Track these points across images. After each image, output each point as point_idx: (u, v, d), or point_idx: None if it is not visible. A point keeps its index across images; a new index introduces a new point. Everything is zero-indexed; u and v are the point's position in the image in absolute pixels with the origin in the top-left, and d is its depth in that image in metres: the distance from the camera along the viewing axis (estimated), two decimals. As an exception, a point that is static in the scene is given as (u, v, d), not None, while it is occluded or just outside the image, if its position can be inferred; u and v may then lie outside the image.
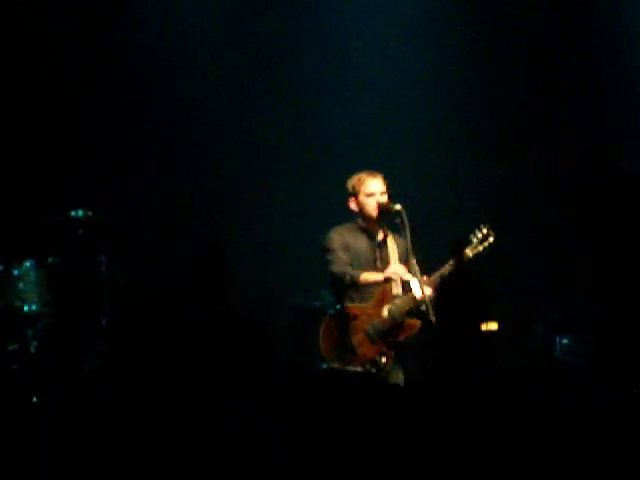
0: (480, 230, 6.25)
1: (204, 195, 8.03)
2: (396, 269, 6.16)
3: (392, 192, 6.23)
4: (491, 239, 6.23)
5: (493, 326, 7.15)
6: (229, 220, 8.02)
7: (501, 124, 8.25)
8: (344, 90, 8.31)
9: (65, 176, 7.83)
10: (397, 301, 6.13)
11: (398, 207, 6.08)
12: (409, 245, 6.01)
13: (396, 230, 6.29)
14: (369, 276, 6.17)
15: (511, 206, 8.11)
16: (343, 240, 6.26)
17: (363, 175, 6.26)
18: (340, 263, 6.20)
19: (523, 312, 7.39)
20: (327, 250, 6.26)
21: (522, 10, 8.22)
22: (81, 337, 6.77)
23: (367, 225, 6.25)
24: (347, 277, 6.15)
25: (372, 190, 6.19)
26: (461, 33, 8.33)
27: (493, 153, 8.26)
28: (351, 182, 6.28)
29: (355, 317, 6.08)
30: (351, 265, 6.22)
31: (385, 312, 6.11)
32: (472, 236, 6.21)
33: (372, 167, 6.44)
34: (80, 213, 6.95)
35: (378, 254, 6.29)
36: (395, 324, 6.09)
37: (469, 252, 6.18)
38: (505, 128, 8.25)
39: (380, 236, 6.30)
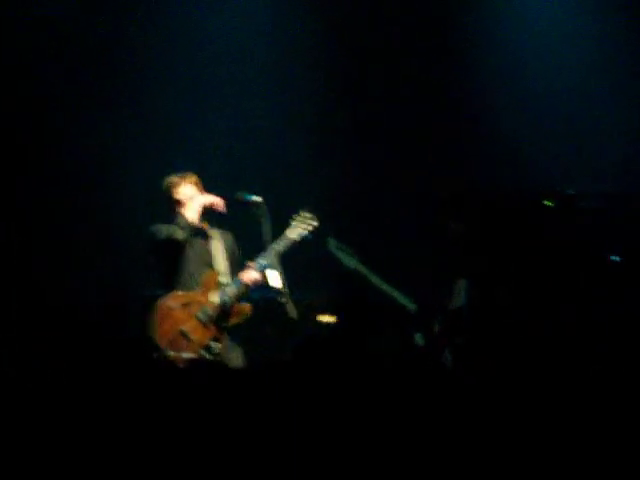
0: (300, 214, 6.36)
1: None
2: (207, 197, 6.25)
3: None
4: (314, 222, 6.34)
5: (331, 319, 7.27)
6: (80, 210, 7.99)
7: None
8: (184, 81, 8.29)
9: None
10: (226, 287, 6.27)
11: (258, 199, 6.21)
12: (269, 236, 6.11)
13: (217, 225, 6.43)
14: (189, 211, 6.22)
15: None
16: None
17: (172, 180, 6.36)
18: (166, 228, 6.23)
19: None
20: (151, 229, 6.31)
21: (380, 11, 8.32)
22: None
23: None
24: (178, 230, 6.19)
25: (180, 198, 6.30)
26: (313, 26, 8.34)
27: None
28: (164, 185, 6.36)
29: (186, 304, 6.17)
30: (177, 261, 6.27)
31: (215, 298, 6.23)
32: (293, 220, 6.32)
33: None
34: None
35: (199, 248, 6.35)
36: (225, 309, 6.23)
37: (292, 235, 6.23)
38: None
39: (201, 228, 6.39)
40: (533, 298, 6.32)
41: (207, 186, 6.49)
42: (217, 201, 6.33)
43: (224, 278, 6.34)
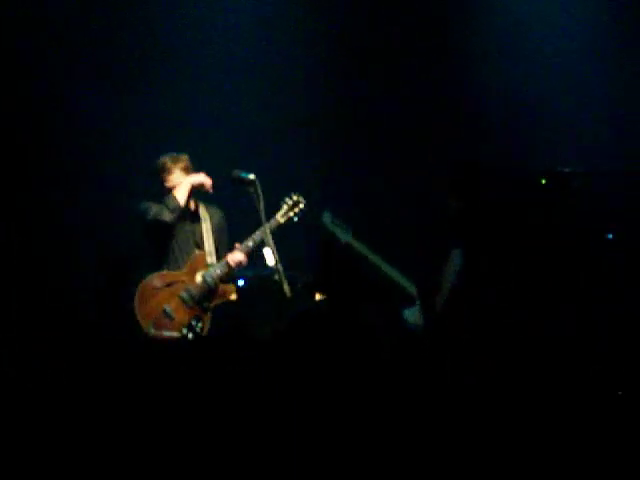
0: (291, 197, 6.45)
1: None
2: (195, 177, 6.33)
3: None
4: (301, 205, 6.45)
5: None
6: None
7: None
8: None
9: None
10: (211, 268, 6.32)
11: (252, 177, 6.19)
12: (263, 214, 6.13)
13: (208, 202, 6.51)
14: (178, 193, 6.28)
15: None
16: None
17: (164, 165, 6.42)
18: (155, 208, 6.29)
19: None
20: (141, 208, 6.36)
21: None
22: None
23: None
24: (166, 212, 6.25)
25: (168, 185, 6.39)
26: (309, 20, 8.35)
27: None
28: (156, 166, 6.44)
29: (170, 284, 6.23)
30: (165, 241, 6.35)
31: (199, 278, 6.28)
32: (283, 203, 6.42)
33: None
34: None
35: (188, 227, 6.42)
36: (209, 290, 6.27)
37: (280, 218, 6.34)
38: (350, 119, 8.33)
39: (191, 210, 6.46)
40: (529, 278, 6.26)
41: (204, 166, 6.54)
42: (205, 181, 6.39)
43: (210, 258, 6.40)
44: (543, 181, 6.27)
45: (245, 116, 8.09)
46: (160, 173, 6.40)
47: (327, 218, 6.38)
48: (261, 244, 6.26)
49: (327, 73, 8.23)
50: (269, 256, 6.13)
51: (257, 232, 6.30)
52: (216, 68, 8.13)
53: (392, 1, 8.27)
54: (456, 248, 6.17)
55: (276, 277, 6.09)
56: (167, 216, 6.28)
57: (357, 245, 6.42)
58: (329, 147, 8.18)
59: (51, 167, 7.82)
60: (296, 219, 6.42)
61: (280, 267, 6.04)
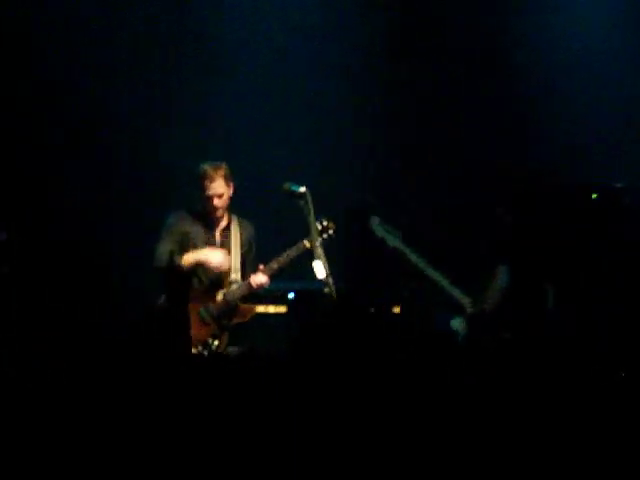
0: (321, 222, 6.40)
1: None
2: (213, 255, 6.33)
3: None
4: (331, 231, 6.42)
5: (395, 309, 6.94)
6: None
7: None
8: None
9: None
10: (233, 286, 6.35)
11: (303, 189, 6.03)
12: (313, 227, 5.98)
13: (243, 215, 6.51)
14: (186, 262, 6.30)
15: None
16: (179, 225, 6.41)
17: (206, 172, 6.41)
18: (161, 256, 6.30)
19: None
20: (158, 238, 6.39)
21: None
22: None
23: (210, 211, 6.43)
24: (162, 260, 6.28)
25: (209, 193, 6.40)
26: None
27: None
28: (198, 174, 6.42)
29: (191, 299, 6.25)
30: (183, 251, 6.32)
31: (220, 296, 6.30)
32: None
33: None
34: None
35: (217, 240, 6.43)
36: (229, 308, 6.31)
37: (307, 243, 6.26)
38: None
39: (223, 223, 6.46)
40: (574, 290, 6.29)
41: (248, 176, 6.65)
42: (215, 263, 6.33)
43: (234, 275, 6.43)
44: (594, 196, 6.24)
45: (286, 125, 8.11)
46: (202, 180, 6.33)
47: (376, 223, 6.47)
48: (302, 259, 6.21)
49: (372, 77, 8.23)
50: (319, 269, 5.96)
51: (284, 254, 6.33)
52: (249, 70, 8.11)
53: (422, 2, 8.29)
54: (503, 264, 6.32)
55: (326, 290, 5.96)
56: (160, 263, 6.28)
57: (405, 250, 6.45)
58: (376, 152, 8.18)
59: (52, 167, 7.80)
60: (324, 244, 6.24)
61: (330, 280, 5.89)
